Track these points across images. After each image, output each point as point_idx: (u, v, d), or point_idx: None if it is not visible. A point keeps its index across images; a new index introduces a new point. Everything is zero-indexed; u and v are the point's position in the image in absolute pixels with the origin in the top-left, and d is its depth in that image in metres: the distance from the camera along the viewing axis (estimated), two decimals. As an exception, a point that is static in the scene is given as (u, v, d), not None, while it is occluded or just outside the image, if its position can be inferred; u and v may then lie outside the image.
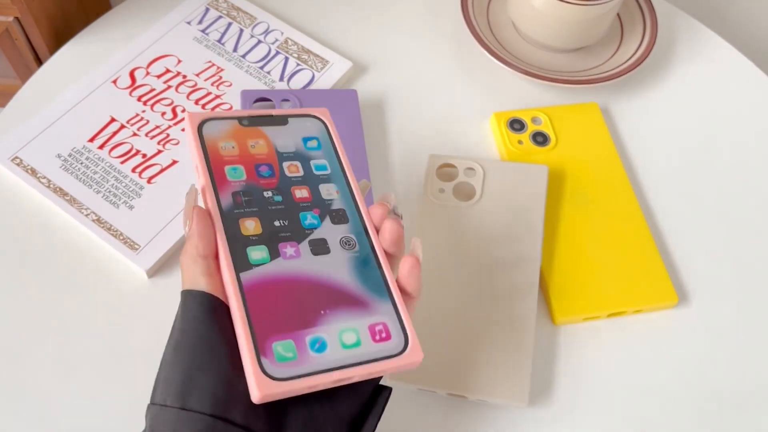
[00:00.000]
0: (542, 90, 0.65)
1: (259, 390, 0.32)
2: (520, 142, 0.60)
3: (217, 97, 0.61)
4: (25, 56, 0.66)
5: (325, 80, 0.63)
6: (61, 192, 0.55)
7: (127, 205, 0.55)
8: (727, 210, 0.59)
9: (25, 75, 0.67)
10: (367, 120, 0.62)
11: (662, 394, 0.51)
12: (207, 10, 0.66)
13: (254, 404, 0.34)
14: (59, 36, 0.67)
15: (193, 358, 0.34)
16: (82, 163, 0.56)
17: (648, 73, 0.67)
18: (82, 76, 0.62)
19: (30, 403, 0.48)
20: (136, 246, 0.53)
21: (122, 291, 0.52)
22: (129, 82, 0.61)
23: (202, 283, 0.36)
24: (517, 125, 0.61)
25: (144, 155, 0.57)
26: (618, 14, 0.68)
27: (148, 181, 0.56)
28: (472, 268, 0.52)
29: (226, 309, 0.35)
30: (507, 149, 0.59)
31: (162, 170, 0.57)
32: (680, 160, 0.62)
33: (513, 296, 0.51)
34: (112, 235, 0.53)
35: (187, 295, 0.36)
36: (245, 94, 0.59)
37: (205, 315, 0.35)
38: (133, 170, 0.57)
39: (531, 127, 0.61)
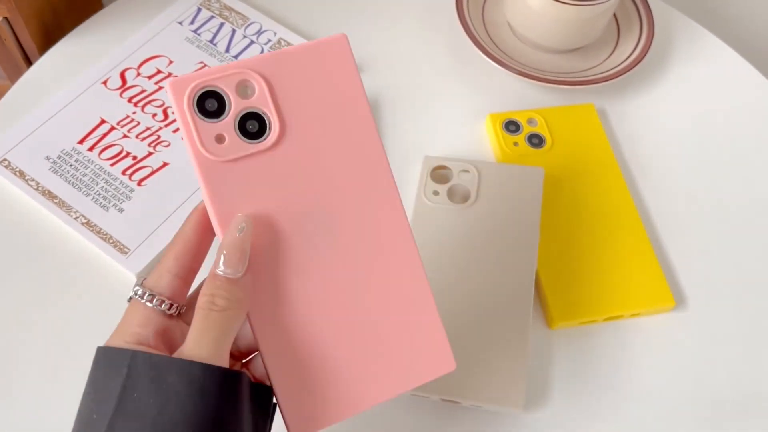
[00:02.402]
0: (538, 91, 0.64)
1: None
2: (515, 143, 0.59)
3: (209, 98, 0.60)
4: (15, 56, 0.65)
5: (319, 81, 0.62)
6: (49, 195, 0.54)
7: (117, 208, 0.54)
8: (724, 212, 0.59)
9: (14, 75, 0.66)
10: (361, 121, 0.61)
11: (659, 398, 0.50)
12: (199, 10, 0.65)
13: None
14: (49, 36, 0.66)
15: None
16: (71, 166, 0.56)
17: (645, 74, 0.66)
18: (72, 76, 0.61)
19: (17, 408, 0.47)
20: (126, 249, 0.52)
21: (112, 295, 0.52)
22: (119, 83, 0.60)
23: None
24: (512, 127, 0.60)
25: (134, 157, 0.57)
26: (614, 15, 0.68)
27: (138, 184, 0.55)
28: (466, 271, 0.52)
29: (223, 381, 0.30)
30: (502, 151, 0.59)
31: (152, 173, 0.56)
32: (677, 162, 0.61)
33: (508, 300, 0.50)
34: (102, 238, 0.53)
35: (176, 365, 0.30)
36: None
37: (196, 391, 0.29)
38: (123, 173, 0.56)
39: (526, 129, 0.60)
